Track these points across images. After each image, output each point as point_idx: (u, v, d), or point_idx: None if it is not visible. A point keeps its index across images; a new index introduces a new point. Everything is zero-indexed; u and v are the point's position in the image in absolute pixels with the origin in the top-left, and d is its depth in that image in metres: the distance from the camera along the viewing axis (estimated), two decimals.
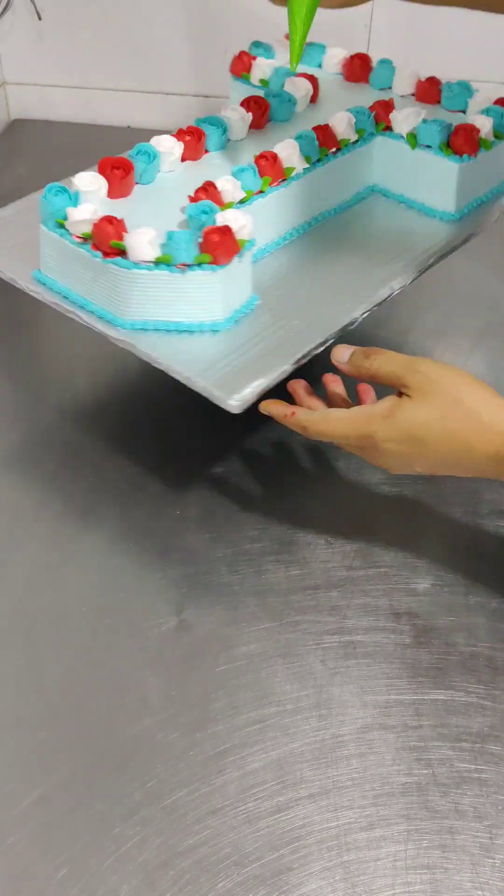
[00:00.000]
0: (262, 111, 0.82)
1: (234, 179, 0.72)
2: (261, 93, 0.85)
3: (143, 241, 0.65)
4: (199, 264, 0.65)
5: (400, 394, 0.63)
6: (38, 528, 0.74)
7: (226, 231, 0.65)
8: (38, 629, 0.67)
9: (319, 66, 0.93)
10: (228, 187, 0.72)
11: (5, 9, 1.22)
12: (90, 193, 0.71)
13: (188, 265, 0.65)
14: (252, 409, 0.85)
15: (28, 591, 0.69)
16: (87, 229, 0.67)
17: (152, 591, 0.69)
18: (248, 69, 0.91)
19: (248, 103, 0.82)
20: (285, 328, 0.69)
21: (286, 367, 0.66)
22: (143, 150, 0.76)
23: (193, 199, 0.72)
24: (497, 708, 0.63)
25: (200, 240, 0.65)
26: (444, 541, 0.74)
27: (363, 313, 0.71)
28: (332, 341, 0.69)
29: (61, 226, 0.68)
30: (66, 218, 0.68)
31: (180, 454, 0.80)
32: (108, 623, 0.67)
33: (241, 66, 0.91)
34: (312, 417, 0.66)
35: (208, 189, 0.71)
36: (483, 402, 0.62)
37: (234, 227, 0.66)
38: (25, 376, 0.88)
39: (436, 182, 0.80)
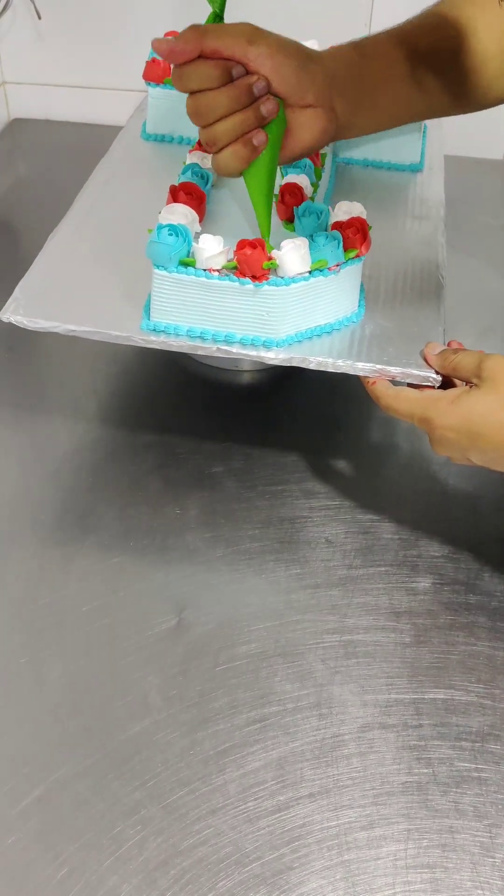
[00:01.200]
0: None
1: (304, 177, 0.76)
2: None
3: (294, 257, 0.66)
4: (348, 261, 0.68)
5: (471, 386, 0.65)
6: (38, 528, 0.74)
7: (362, 223, 0.69)
8: (38, 629, 0.66)
9: None
10: (305, 183, 0.75)
11: (5, 8, 1.22)
12: (192, 225, 0.70)
13: (340, 264, 0.68)
14: (252, 408, 0.85)
15: (28, 591, 0.69)
16: (224, 260, 0.67)
17: (152, 591, 0.69)
18: (169, 73, 0.89)
19: None
20: (401, 305, 0.74)
21: (440, 328, 0.72)
22: (196, 171, 0.77)
23: (288, 203, 0.74)
24: (497, 707, 0.63)
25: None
26: (444, 541, 0.74)
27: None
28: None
29: (188, 265, 0.67)
30: (188, 255, 0.67)
31: (180, 454, 0.80)
32: (108, 623, 0.67)
33: (158, 71, 0.91)
34: (388, 392, 0.68)
35: (293, 190, 0.74)
36: None
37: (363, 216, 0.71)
38: (25, 377, 0.88)
39: (403, 140, 0.91)
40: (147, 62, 0.93)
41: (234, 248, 0.67)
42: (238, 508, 0.75)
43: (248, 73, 0.63)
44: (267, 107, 0.64)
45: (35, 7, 1.22)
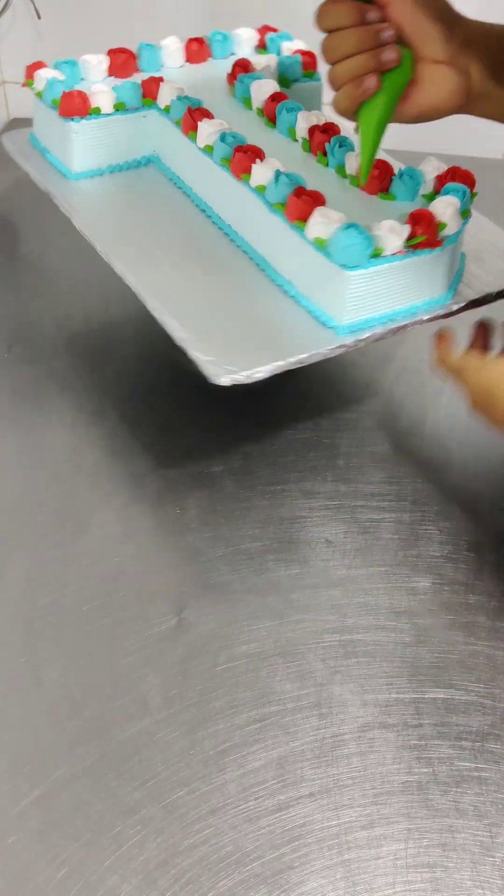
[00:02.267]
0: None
1: None
2: (118, 118, 0.84)
3: (455, 214, 0.70)
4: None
5: None
6: (38, 528, 0.74)
7: (461, 170, 0.75)
8: (38, 629, 0.67)
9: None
10: None
11: (5, 8, 1.22)
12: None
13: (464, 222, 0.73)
14: (251, 407, 0.85)
15: (28, 591, 0.69)
16: (404, 237, 0.68)
17: (152, 591, 0.69)
18: (88, 105, 0.83)
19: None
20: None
21: None
22: (290, 177, 0.73)
23: (379, 177, 0.75)
24: (497, 707, 0.63)
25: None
26: (444, 541, 0.74)
27: None
28: None
29: (378, 255, 0.67)
30: (372, 248, 0.67)
31: (180, 454, 0.80)
32: (108, 623, 0.67)
33: (80, 104, 0.83)
34: (444, 348, 0.70)
35: (377, 164, 0.76)
36: None
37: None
38: (25, 376, 0.88)
39: None
40: (61, 96, 0.84)
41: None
42: (238, 508, 0.75)
43: (384, 20, 0.63)
44: (387, 55, 0.63)
45: (35, 7, 1.22)
